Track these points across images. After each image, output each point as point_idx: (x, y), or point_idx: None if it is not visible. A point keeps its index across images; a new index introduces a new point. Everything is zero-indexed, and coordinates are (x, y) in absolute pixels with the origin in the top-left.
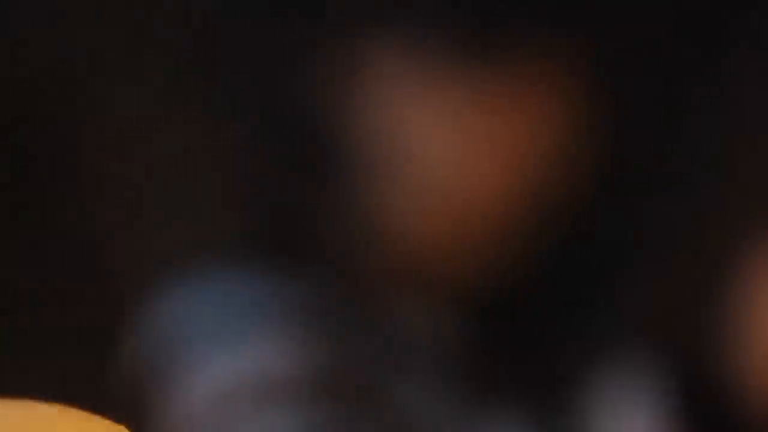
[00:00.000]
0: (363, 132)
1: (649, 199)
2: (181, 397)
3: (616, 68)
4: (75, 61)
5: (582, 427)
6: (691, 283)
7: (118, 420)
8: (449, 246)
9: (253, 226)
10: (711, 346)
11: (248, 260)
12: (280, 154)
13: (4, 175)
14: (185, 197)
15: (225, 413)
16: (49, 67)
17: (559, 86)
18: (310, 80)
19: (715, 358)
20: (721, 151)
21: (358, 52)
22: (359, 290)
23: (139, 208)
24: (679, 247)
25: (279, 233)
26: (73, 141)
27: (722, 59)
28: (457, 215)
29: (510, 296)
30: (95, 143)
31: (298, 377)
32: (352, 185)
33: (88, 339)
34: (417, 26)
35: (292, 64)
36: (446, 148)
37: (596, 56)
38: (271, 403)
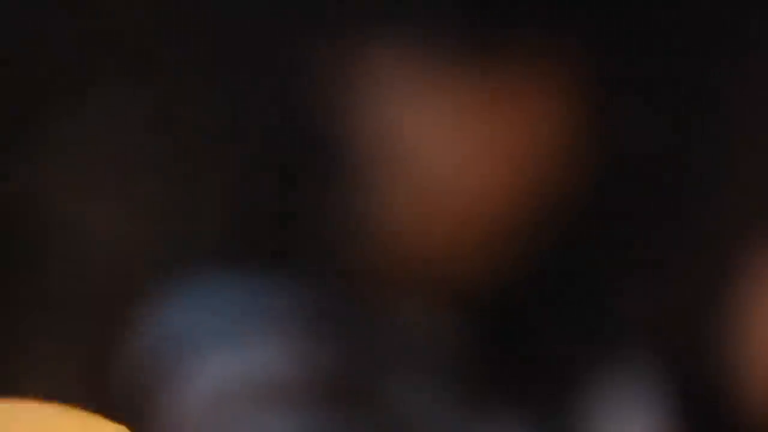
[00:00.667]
0: (362, 132)
1: (649, 199)
2: (181, 398)
3: (616, 68)
4: (70, 64)
5: (582, 427)
6: (691, 284)
7: (119, 421)
8: (449, 246)
9: (253, 228)
10: (711, 347)
11: (248, 262)
12: (280, 156)
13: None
14: (186, 199)
15: (225, 414)
16: (43, 68)
17: (558, 86)
18: (310, 81)
19: (715, 359)
20: (723, 152)
21: (358, 53)
22: (359, 291)
23: (140, 210)
24: (679, 248)
25: (279, 235)
26: (70, 144)
27: (722, 59)
28: (458, 215)
29: (510, 296)
30: (94, 146)
31: (297, 378)
32: (351, 185)
33: (89, 340)
34: (416, 27)
35: (292, 65)
36: (446, 148)
37: (596, 56)
38: (270, 404)
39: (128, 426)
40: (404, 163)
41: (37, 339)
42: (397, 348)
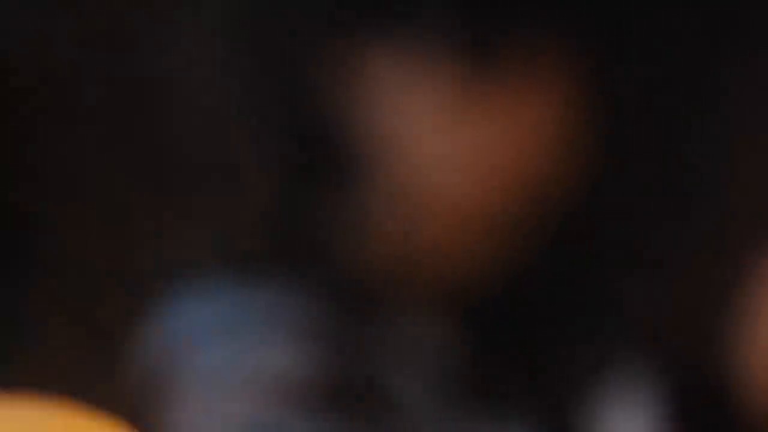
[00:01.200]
0: (363, 134)
1: (649, 199)
2: (187, 400)
3: (616, 68)
4: (89, 73)
5: (583, 428)
6: (693, 284)
7: (127, 421)
8: (450, 247)
9: (258, 234)
10: (713, 348)
11: (252, 267)
12: (281, 163)
13: (11, 182)
14: (193, 206)
15: (228, 417)
16: (57, 76)
17: (558, 86)
18: (312, 87)
19: (717, 360)
20: (723, 152)
21: (358, 53)
22: (360, 295)
23: (148, 215)
24: (680, 248)
25: (280, 240)
26: (81, 151)
27: (722, 59)
28: (458, 216)
29: (511, 300)
30: (104, 153)
31: (300, 381)
32: (353, 187)
33: (98, 341)
34: (416, 27)
35: (293, 70)
36: (445, 148)
37: (596, 56)
38: (273, 406)
39: (137, 427)
40: (405, 163)
41: (40, 339)
42: (398, 352)
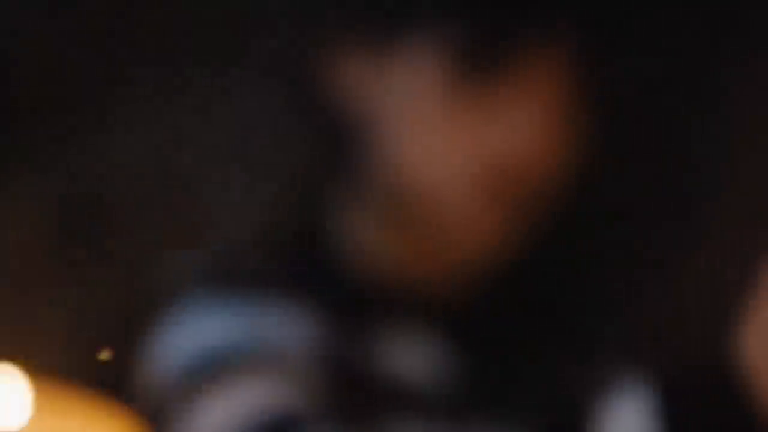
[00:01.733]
0: (362, 139)
1: (650, 200)
2: (190, 401)
3: (616, 68)
4: (89, 73)
5: (583, 429)
6: (694, 287)
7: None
8: (450, 251)
9: (258, 245)
10: (715, 350)
11: (253, 277)
12: (281, 171)
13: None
14: (195, 219)
15: (231, 418)
16: (57, 76)
17: (557, 88)
18: (313, 91)
19: (718, 362)
20: (723, 152)
21: (360, 58)
22: (360, 299)
23: (151, 228)
24: (682, 251)
25: (281, 250)
26: (81, 152)
27: (722, 59)
28: (459, 219)
29: (511, 301)
30: (107, 172)
31: (301, 385)
32: (352, 192)
33: (103, 347)
34: (418, 30)
35: (294, 75)
36: (444, 151)
37: (595, 57)
38: (275, 408)
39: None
40: (405, 164)
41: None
42: (398, 353)
